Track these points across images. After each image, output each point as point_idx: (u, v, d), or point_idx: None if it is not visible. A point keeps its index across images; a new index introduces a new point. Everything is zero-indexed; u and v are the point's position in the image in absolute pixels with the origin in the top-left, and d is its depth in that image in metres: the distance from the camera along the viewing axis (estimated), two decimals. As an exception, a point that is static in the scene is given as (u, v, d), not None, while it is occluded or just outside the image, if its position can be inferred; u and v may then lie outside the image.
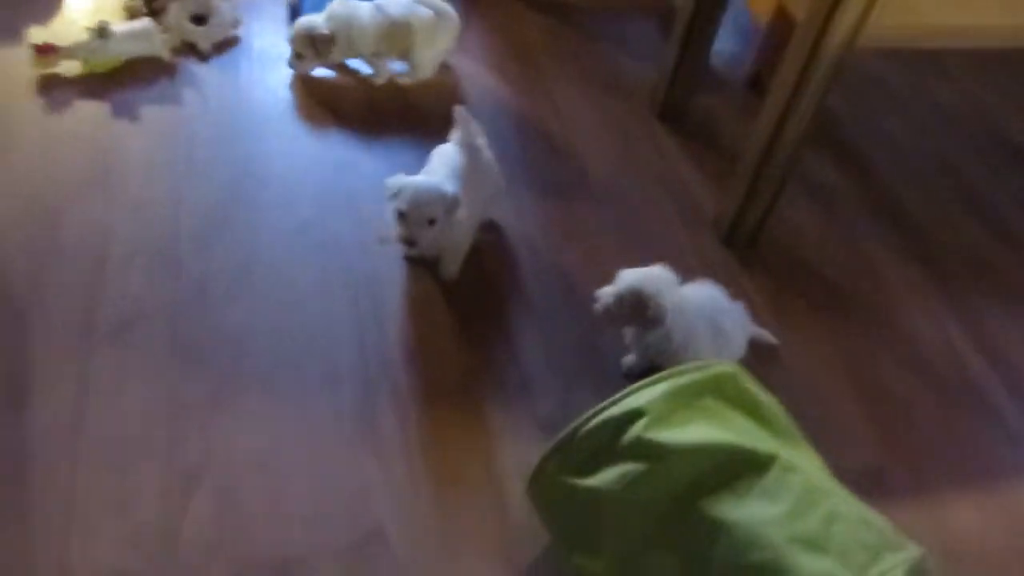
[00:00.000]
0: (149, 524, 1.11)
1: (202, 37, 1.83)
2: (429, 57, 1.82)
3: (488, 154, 1.45)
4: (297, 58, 1.80)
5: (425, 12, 1.78)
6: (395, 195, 1.28)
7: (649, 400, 0.93)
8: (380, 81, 1.84)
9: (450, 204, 1.29)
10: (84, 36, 1.71)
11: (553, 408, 1.28)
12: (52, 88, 1.71)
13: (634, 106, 1.85)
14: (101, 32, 1.70)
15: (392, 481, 1.18)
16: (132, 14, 1.85)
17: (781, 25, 1.78)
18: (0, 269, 1.38)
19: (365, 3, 1.80)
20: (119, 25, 1.75)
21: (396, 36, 1.79)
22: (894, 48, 1.42)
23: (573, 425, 0.95)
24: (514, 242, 1.53)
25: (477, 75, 1.88)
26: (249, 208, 1.53)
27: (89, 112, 1.68)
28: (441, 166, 1.38)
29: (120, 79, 1.75)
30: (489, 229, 1.53)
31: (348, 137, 1.70)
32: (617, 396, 0.95)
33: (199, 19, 1.83)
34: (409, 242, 1.29)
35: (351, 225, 1.52)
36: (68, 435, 1.19)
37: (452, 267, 1.43)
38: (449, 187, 1.30)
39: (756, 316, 1.39)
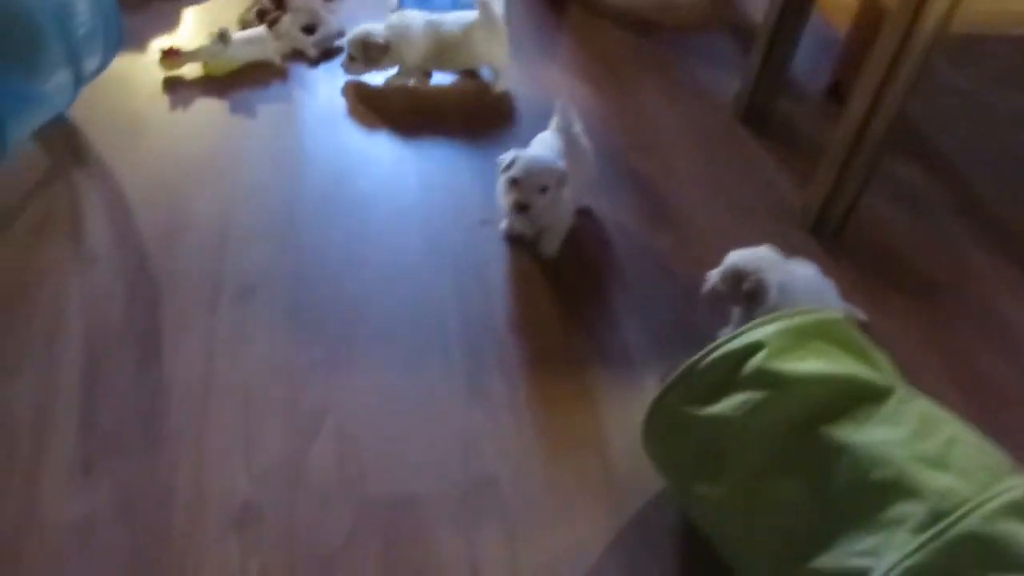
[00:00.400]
0: (275, 464, 1.18)
1: (310, 45, 1.97)
2: (498, 63, 1.90)
3: (585, 141, 1.52)
4: (350, 60, 1.87)
5: (474, 24, 1.83)
6: (508, 167, 1.36)
7: (766, 335, 0.97)
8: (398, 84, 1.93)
9: (560, 176, 1.36)
10: (206, 41, 1.85)
11: (653, 378, 1.32)
12: (177, 88, 1.86)
13: (718, 112, 1.91)
14: (222, 37, 1.84)
15: (501, 434, 1.23)
16: (246, 26, 2.00)
17: (858, 35, 1.84)
18: (135, 241, 1.49)
19: (421, 18, 1.87)
20: (237, 32, 1.90)
21: (445, 53, 1.87)
22: (984, 35, 1.45)
23: (690, 361, 0.99)
24: (608, 228, 1.59)
25: (566, 83, 1.97)
26: (357, 193, 1.63)
27: (210, 108, 1.81)
28: (542, 151, 1.45)
29: (237, 80, 1.88)
30: (584, 215, 1.59)
31: (444, 134, 1.80)
32: (730, 335, 1.00)
33: (309, 29, 1.97)
34: (522, 206, 1.35)
35: (453, 210, 1.60)
36: (198, 386, 1.27)
37: (554, 243, 1.49)
38: (559, 162, 1.38)
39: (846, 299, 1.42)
